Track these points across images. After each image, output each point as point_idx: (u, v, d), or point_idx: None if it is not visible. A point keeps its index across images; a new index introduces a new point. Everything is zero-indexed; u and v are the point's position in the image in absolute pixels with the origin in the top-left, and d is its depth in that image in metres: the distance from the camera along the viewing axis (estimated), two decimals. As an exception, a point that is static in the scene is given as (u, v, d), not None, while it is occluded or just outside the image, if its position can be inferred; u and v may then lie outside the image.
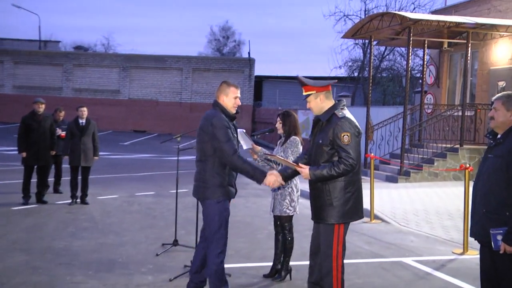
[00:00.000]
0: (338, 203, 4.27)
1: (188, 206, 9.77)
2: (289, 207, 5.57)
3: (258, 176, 4.55)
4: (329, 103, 4.43)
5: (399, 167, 13.94)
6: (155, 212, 9.42)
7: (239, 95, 4.83)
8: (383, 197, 11.21)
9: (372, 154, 10.23)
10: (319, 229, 4.42)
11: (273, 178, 4.54)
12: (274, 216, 5.77)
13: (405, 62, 29.11)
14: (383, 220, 9.12)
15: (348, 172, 4.22)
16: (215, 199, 4.65)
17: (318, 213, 4.37)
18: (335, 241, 4.32)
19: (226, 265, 4.94)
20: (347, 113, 4.36)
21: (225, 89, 4.82)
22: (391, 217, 9.25)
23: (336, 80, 4.65)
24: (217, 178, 4.64)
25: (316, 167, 4.31)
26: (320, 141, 4.33)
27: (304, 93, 4.45)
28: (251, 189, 12.25)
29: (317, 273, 4.45)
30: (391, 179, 13.80)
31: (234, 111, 4.81)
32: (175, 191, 7.52)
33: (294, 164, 4.50)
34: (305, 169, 4.33)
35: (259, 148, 5.48)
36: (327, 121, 4.35)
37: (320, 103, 4.41)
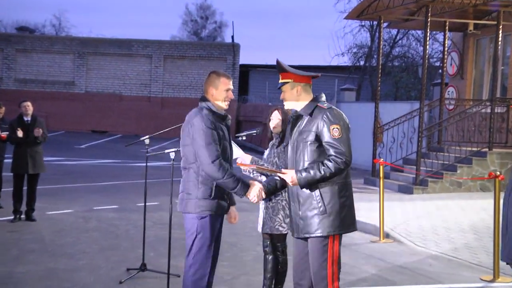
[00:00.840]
0: (332, 210, 4.37)
1: (158, 223, 9.75)
2: (283, 224, 5.58)
3: (240, 189, 4.61)
4: (307, 97, 4.55)
5: (414, 175, 14.02)
6: (118, 230, 9.39)
7: (231, 86, 4.86)
8: (395, 211, 11.26)
9: (382, 159, 10.27)
10: (306, 247, 4.46)
11: (256, 190, 4.59)
12: (264, 235, 5.76)
13: (421, 48, 29.34)
14: (395, 239, 9.17)
15: (341, 171, 4.33)
16: (196, 214, 4.66)
17: (306, 226, 4.42)
18: (329, 258, 4.39)
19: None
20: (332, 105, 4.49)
21: (214, 81, 4.83)
22: (405, 235, 9.30)
23: (320, 75, 4.71)
24: (201, 189, 4.68)
25: (302, 169, 4.35)
26: (304, 138, 4.42)
27: (280, 81, 4.58)
28: (236, 201, 12.25)
29: None
30: (405, 190, 13.88)
31: (226, 106, 4.84)
32: (143, 204, 7.49)
33: (276, 170, 4.55)
34: (289, 173, 4.39)
35: (250, 157, 5.50)
36: (309, 116, 4.45)
37: (296, 95, 4.53)
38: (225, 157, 4.75)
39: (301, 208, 4.46)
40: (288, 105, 4.59)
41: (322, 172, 4.28)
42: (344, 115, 4.51)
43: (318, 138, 4.39)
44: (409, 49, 32.08)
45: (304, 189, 4.42)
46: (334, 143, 4.32)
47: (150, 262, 7.13)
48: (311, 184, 4.35)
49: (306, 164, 4.40)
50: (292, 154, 4.53)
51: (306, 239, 4.51)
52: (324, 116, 4.38)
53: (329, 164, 4.29)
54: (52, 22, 60.72)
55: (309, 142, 4.40)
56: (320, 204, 4.37)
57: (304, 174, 4.32)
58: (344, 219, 4.39)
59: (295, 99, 4.54)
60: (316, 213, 4.38)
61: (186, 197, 4.77)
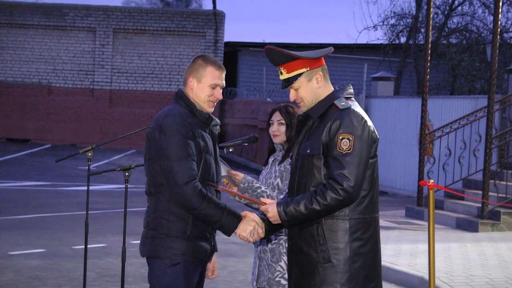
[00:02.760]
0: (339, 259, 4.37)
1: (106, 274, 9.75)
2: (285, 275, 5.63)
3: (228, 223, 4.65)
4: (327, 88, 4.58)
5: (480, 205, 14.05)
6: (45, 285, 9.37)
7: (221, 82, 4.86)
8: (452, 256, 11.29)
9: (432, 181, 10.26)
10: None
11: (249, 226, 4.62)
12: (260, 290, 5.82)
13: (490, 18, 29.44)
14: (452, 298, 9.20)
15: (341, 204, 4.32)
16: (167, 259, 4.72)
17: (301, 277, 4.48)
18: None
19: None
20: (354, 104, 4.48)
21: (198, 69, 4.86)
22: (466, 292, 9.33)
23: (333, 49, 4.73)
24: (174, 223, 4.74)
25: (289, 199, 4.42)
26: (308, 151, 4.45)
27: (287, 75, 4.54)
28: (221, 243, 12.26)
29: None
30: (467, 226, 13.92)
31: (210, 109, 4.87)
32: (82, 247, 7.52)
33: (255, 200, 4.58)
34: (270, 206, 4.43)
35: (240, 175, 5.54)
36: (319, 118, 4.48)
37: (316, 87, 4.55)
38: (207, 177, 4.80)
39: (296, 250, 4.51)
40: (307, 106, 4.56)
41: (313, 205, 4.27)
42: (367, 121, 4.44)
43: (324, 150, 4.39)
44: (472, 20, 32.13)
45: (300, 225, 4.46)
46: (339, 160, 4.31)
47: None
48: (298, 222, 4.37)
49: (308, 187, 4.42)
50: (294, 173, 4.58)
51: None
52: (336, 119, 4.38)
53: (325, 193, 4.27)
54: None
55: (315, 157, 4.40)
56: (323, 248, 4.42)
57: (288, 208, 4.32)
58: (356, 273, 4.39)
59: (316, 94, 4.54)
60: (317, 260, 4.41)
61: (151, 234, 4.78)
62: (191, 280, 4.77)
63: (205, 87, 4.82)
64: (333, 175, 4.28)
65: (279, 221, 4.39)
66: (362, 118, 4.40)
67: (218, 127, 4.98)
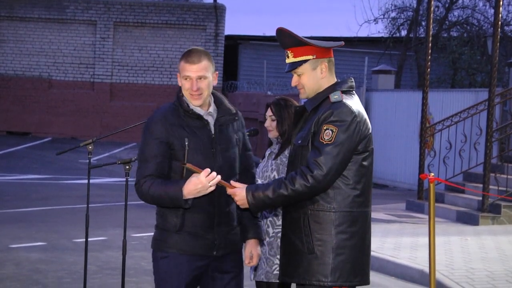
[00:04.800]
0: (323, 250, 4.40)
1: (106, 267, 9.77)
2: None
3: (173, 191, 4.60)
4: (330, 80, 4.58)
5: (480, 198, 14.06)
6: (45, 278, 9.38)
7: (191, 73, 4.76)
8: (453, 250, 11.31)
9: (433, 174, 10.26)
10: None
11: (195, 180, 4.50)
12: (258, 283, 5.82)
13: (491, 11, 29.41)
14: (453, 291, 9.21)
15: (310, 192, 4.33)
16: (159, 252, 4.81)
17: (288, 267, 4.52)
18: None
19: None
20: (350, 99, 4.48)
21: (179, 65, 4.89)
22: (467, 286, 9.31)
23: (343, 43, 4.74)
24: (167, 217, 4.82)
25: (259, 184, 4.47)
26: (299, 142, 4.50)
27: (293, 59, 4.55)
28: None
29: None
30: (467, 219, 13.94)
31: (195, 101, 4.77)
32: (83, 240, 7.52)
33: (225, 183, 4.56)
34: (238, 190, 4.44)
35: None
36: (313, 111, 4.52)
37: (320, 77, 4.56)
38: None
39: (285, 239, 4.56)
40: (307, 94, 4.58)
41: (280, 190, 4.29)
42: (358, 115, 4.42)
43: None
44: (473, 13, 32.11)
45: (293, 212, 4.47)
46: (317, 149, 4.34)
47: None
48: (264, 208, 4.43)
49: None
50: (290, 163, 4.64)
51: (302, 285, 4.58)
52: (324, 112, 4.40)
53: (294, 179, 4.30)
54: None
55: (305, 148, 4.44)
56: (307, 239, 4.42)
57: (256, 192, 4.33)
58: (340, 266, 4.40)
59: (318, 83, 4.56)
60: (302, 250, 4.44)
61: (155, 228, 4.94)
62: (183, 274, 4.76)
63: (182, 81, 4.80)
64: (308, 162, 4.32)
65: (247, 206, 4.39)
66: (352, 112, 4.41)
67: (231, 117, 4.86)
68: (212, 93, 4.87)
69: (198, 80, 4.73)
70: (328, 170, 4.29)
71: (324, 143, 4.31)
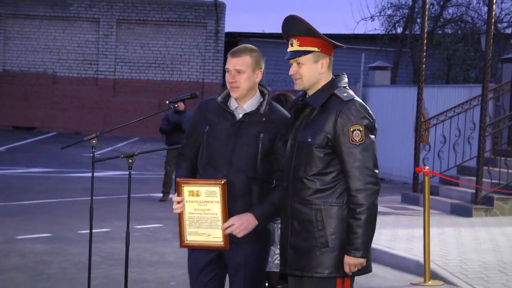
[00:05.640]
0: (336, 243, 4.45)
1: (110, 258, 9.78)
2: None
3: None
4: (327, 77, 4.60)
5: (474, 191, 14.08)
6: (50, 269, 9.39)
7: (230, 66, 4.93)
8: (447, 241, 11.33)
9: (428, 167, 10.32)
10: (302, 286, 4.59)
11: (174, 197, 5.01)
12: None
13: (485, 9, 29.37)
14: (446, 281, 9.22)
15: (376, 194, 4.44)
16: None
17: (298, 260, 4.52)
18: None
19: None
20: (354, 95, 4.52)
21: None
22: (460, 275, 9.34)
23: (344, 46, 4.76)
24: None
25: (348, 236, 4.47)
26: (310, 140, 4.46)
27: (298, 48, 4.54)
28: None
29: None
30: (461, 211, 13.95)
31: (232, 93, 4.95)
32: (87, 231, 7.52)
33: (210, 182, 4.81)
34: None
35: None
36: (321, 108, 4.48)
37: (319, 71, 4.57)
38: (210, 159, 4.91)
39: (293, 233, 4.55)
40: (303, 85, 4.58)
41: (363, 220, 4.41)
42: (369, 109, 4.52)
43: (328, 142, 4.43)
44: (467, 10, 32.09)
45: (301, 207, 4.49)
46: (352, 152, 4.39)
47: (97, 314, 7.16)
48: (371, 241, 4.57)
49: (308, 177, 4.47)
50: (291, 156, 4.59)
51: (300, 277, 4.61)
52: (342, 111, 4.41)
53: (358, 198, 4.40)
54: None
55: (315, 146, 4.44)
56: (321, 233, 4.45)
57: (356, 241, 4.47)
58: None
59: (316, 77, 4.57)
60: (314, 244, 4.47)
61: None
62: (196, 260, 4.95)
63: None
64: (353, 171, 4.39)
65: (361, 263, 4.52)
66: (367, 107, 4.49)
67: (251, 116, 4.90)
68: (265, 93, 4.98)
69: (237, 73, 4.84)
70: (373, 166, 4.43)
71: (358, 144, 4.37)
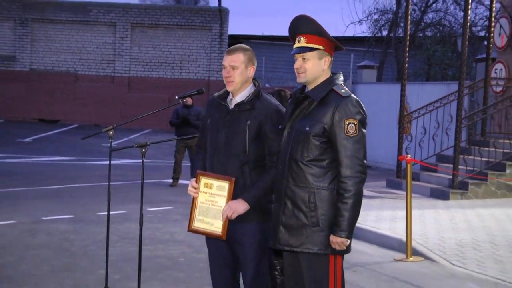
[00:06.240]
0: (326, 224, 4.49)
1: (125, 237, 9.81)
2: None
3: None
4: (327, 74, 4.63)
5: (451, 177, 14.09)
6: (73, 246, 9.42)
7: (226, 63, 5.03)
8: (427, 221, 11.35)
9: (410, 156, 10.33)
10: (298, 263, 4.62)
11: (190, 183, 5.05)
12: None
13: (461, 14, 29.33)
14: (426, 257, 9.24)
15: (363, 181, 4.48)
16: None
17: (289, 237, 4.56)
18: (331, 281, 4.49)
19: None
20: (350, 93, 4.58)
21: None
22: (438, 252, 9.37)
23: (344, 49, 4.78)
24: None
25: (336, 219, 4.49)
26: (307, 128, 4.49)
27: (304, 44, 4.55)
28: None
29: None
30: (439, 195, 13.97)
31: (228, 87, 5.05)
32: (105, 213, 7.53)
33: (221, 177, 4.88)
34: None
35: None
36: (320, 101, 4.51)
37: (322, 67, 4.59)
38: (210, 147, 5.05)
39: (286, 212, 4.57)
40: (306, 78, 4.59)
41: (350, 204, 4.42)
42: (363, 105, 4.57)
43: (325, 132, 4.46)
44: (445, 15, 32.03)
45: (296, 189, 4.52)
46: (346, 143, 4.42)
47: (115, 287, 7.17)
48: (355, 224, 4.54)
49: (304, 162, 4.49)
50: (288, 142, 4.61)
51: (295, 253, 4.65)
52: (340, 106, 4.46)
53: (346, 184, 4.43)
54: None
55: (312, 134, 4.47)
56: (312, 214, 4.48)
57: (343, 222, 4.45)
58: None
59: (318, 73, 4.59)
60: (306, 223, 4.50)
61: None
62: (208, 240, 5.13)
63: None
64: (344, 160, 4.44)
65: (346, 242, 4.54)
66: (361, 103, 4.56)
67: (240, 106, 4.96)
68: (258, 87, 5.06)
69: (231, 69, 4.94)
70: (363, 157, 4.46)
71: (351, 136, 4.41)
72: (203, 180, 4.95)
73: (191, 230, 5.02)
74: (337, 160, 4.45)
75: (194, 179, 4.98)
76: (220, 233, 4.84)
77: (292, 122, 4.62)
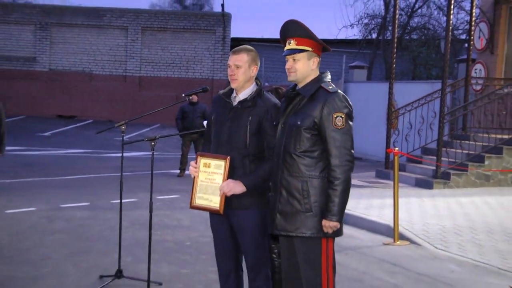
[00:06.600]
0: (317, 210, 4.50)
1: (137, 223, 9.81)
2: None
3: None
4: (315, 73, 4.65)
5: (434, 168, 14.10)
6: (89, 231, 9.43)
7: (229, 62, 5.04)
8: (412, 208, 11.35)
9: (397, 149, 10.33)
10: (293, 246, 4.63)
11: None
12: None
13: (444, 18, 29.33)
14: (411, 242, 9.25)
15: (351, 170, 4.50)
16: None
17: (285, 223, 4.57)
18: (323, 262, 4.50)
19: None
20: (337, 89, 4.59)
21: None
22: (423, 237, 9.38)
23: (331, 50, 4.79)
24: None
25: (327, 204, 4.49)
26: (299, 122, 4.52)
27: (295, 46, 4.57)
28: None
29: None
30: (424, 184, 13.97)
31: (232, 84, 5.05)
32: (118, 201, 7.54)
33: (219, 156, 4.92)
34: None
35: None
36: (310, 97, 4.52)
37: (310, 67, 4.61)
38: (214, 140, 5.07)
39: (281, 200, 4.58)
40: (297, 77, 4.61)
41: (339, 190, 4.42)
42: (349, 100, 4.58)
43: (315, 125, 4.48)
44: (430, 20, 32.01)
45: (290, 178, 4.53)
46: (334, 135, 4.44)
47: (127, 268, 7.18)
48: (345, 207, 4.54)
49: (297, 153, 4.51)
50: (282, 135, 4.63)
51: (290, 237, 4.67)
52: (328, 101, 4.47)
53: (335, 172, 4.44)
54: (9, -13, 60.31)
55: (303, 127, 4.49)
56: (306, 201, 4.49)
57: (333, 208, 4.44)
58: None
59: (307, 72, 4.61)
60: (300, 209, 4.52)
61: None
62: (214, 222, 5.17)
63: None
64: (333, 149, 4.44)
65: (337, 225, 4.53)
66: (347, 98, 4.55)
67: (243, 103, 4.97)
68: (259, 86, 5.04)
69: (235, 68, 4.94)
70: (350, 147, 4.48)
71: (339, 128, 4.42)
72: (202, 160, 5.00)
73: (192, 207, 5.07)
74: (327, 151, 4.46)
75: (194, 161, 5.05)
76: (218, 208, 4.88)
77: (285, 118, 4.64)
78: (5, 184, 12.84)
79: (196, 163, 5.05)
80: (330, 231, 4.47)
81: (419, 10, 31.63)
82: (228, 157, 4.85)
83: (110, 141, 22.02)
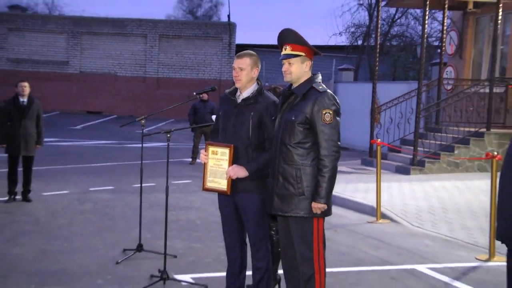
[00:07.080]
0: (309, 193, 4.50)
1: (154, 204, 9.81)
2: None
3: None
4: (308, 75, 4.64)
5: (411, 156, 14.08)
6: (114, 211, 9.44)
7: (234, 64, 5.02)
8: (392, 191, 11.34)
9: (379, 140, 10.32)
10: (289, 225, 4.64)
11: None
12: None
13: (420, 28, 29.28)
14: (392, 220, 9.25)
15: (338, 159, 4.49)
16: None
17: (282, 204, 4.56)
18: (315, 239, 4.51)
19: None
20: (327, 89, 4.57)
21: None
22: (401, 216, 9.38)
23: (321, 54, 4.78)
24: None
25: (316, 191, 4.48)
26: (293, 118, 4.52)
27: (290, 52, 4.56)
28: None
29: (296, 280, 4.65)
30: (402, 170, 13.95)
31: (236, 84, 5.03)
32: (139, 185, 7.54)
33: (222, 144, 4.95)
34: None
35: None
36: (303, 96, 4.52)
37: (304, 70, 4.60)
38: (221, 135, 5.07)
39: (278, 185, 4.59)
40: (292, 78, 4.59)
41: (327, 178, 4.41)
42: (337, 98, 4.58)
43: (307, 120, 4.48)
44: (407, 28, 32.05)
45: (285, 166, 4.53)
46: (323, 129, 4.43)
47: (146, 243, 7.18)
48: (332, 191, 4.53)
49: (292, 144, 4.51)
50: (279, 129, 4.64)
51: (286, 217, 4.67)
52: (318, 99, 4.47)
53: (324, 161, 4.43)
54: (45, 0, 60.31)
55: (297, 122, 4.49)
56: (299, 186, 4.50)
57: (321, 192, 4.43)
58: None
59: (301, 74, 4.60)
60: (294, 193, 4.52)
61: None
62: (221, 202, 5.16)
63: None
64: (323, 143, 4.44)
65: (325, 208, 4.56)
66: (335, 97, 4.56)
67: (246, 100, 4.95)
68: (260, 86, 5.03)
69: (239, 70, 4.95)
70: (337, 140, 4.49)
71: (327, 123, 4.43)
72: (211, 149, 5.05)
73: (205, 189, 5.12)
74: (317, 143, 4.48)
75: (204, 149, 5.09)
76: (225, 189, 4.93)
77: (282, 113, 4.65)
78: (42, 170, 12.84)
79: (205, 151, 5.07)
80: (318, 211, 4.48)
81: (398, 20, 31.69)
82: (232, 145, 4.89)
83: (132, 134, 22.01)
